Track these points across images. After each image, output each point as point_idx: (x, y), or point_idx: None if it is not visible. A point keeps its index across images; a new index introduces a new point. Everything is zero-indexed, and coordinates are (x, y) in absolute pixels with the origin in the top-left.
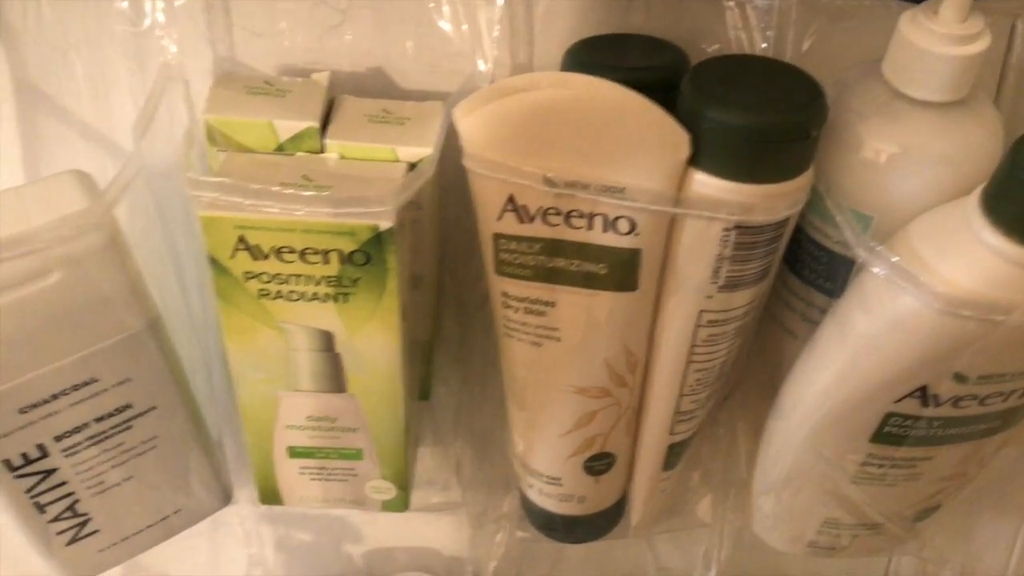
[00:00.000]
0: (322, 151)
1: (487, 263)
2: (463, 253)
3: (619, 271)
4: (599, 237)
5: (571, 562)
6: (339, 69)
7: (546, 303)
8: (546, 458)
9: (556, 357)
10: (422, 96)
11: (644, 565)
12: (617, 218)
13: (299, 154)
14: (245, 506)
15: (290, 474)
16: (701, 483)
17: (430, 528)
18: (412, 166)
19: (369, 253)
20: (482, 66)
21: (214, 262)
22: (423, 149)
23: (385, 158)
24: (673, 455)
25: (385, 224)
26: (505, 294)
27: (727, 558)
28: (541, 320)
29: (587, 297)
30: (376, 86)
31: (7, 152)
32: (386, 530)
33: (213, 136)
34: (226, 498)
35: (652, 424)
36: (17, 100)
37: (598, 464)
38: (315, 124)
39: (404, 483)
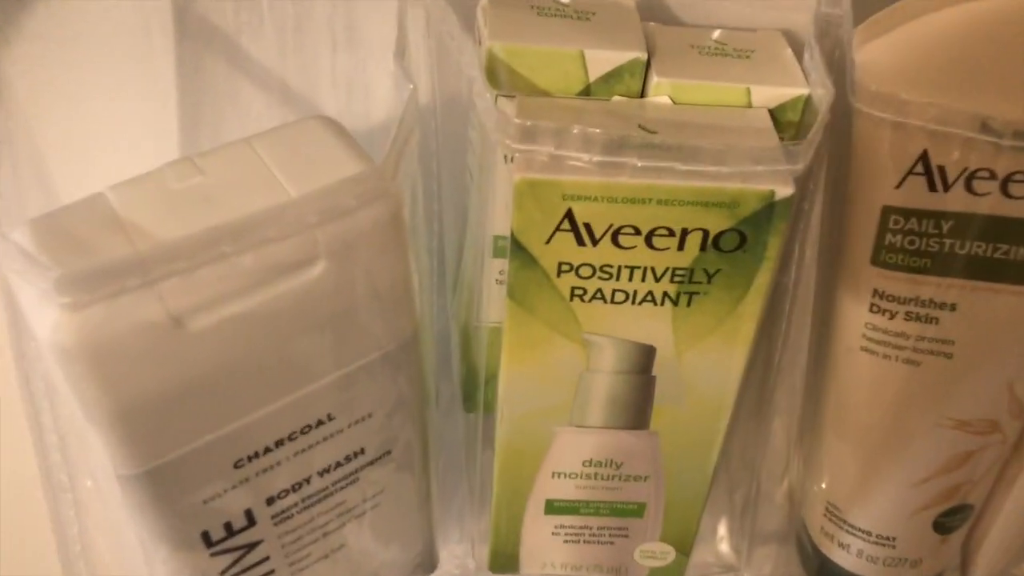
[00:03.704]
0: (643, 94)
1: (850, 250)
2: None
3: None
4: None
5: None
6: None
7: (942, 306)
8: (880, 512)
9: (938, 379)
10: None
11: None
12: None
13: (616, 98)
14: (447, 570)
15: (540, 535)
16: None
17: None
18: (771, 113)
19: (746, 234)
20: None
21: (519, 249)
22: (790, 89)
23: (734, 102)
24: None
25: (783, 190)
26: (878, 293)
27: None
28: (930, 330)
29: (1009, 296)
30: (680, 16)
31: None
32: None
33: (495, 73)
34: (431, 563)
35: None
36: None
37: (951, 520)
38: (643, 55)
39: (688, 546)
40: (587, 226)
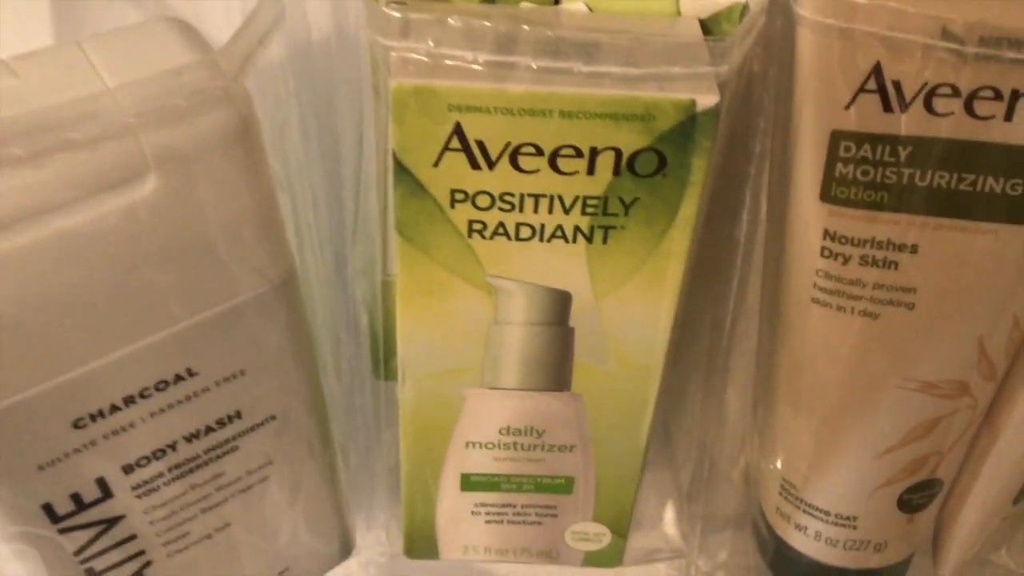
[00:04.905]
0: (557, 1)
1: (797, 185)
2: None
3: None
4: (1022, 133)
5: None
6: None
7: (901, 247)
8: (839, 488)
9: (899, 334)
10: None
11: None
12: None
13: (524, 4)
14: (369, 556)
15: (458, 514)
16: None
17: None
18: (703, 24)
19: (665, 155)
20: None
21: (404, 172)
22: None
23: (661, 10)
24: None
25: (706, 99)
26: (829, 234)
27: None
28: (889, 276)
29: (976, 236)
30: None
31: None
32: None
33: None
34: (346, 549)
35: (1016, 434)
36: None
37: (919, 496)
38: None
39: (624, 527)
40: (480, 144)
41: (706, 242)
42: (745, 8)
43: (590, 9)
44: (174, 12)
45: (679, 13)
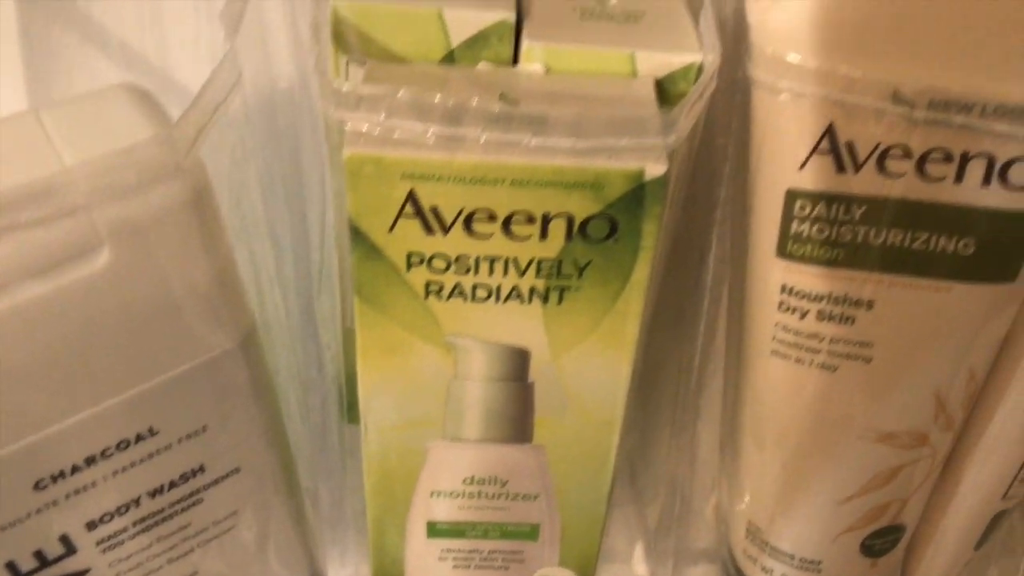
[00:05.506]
0: (515, 61)
1: (756, 241)
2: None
3: (995, 250)
4: (973, 194)
5: None
6: None
7: (858, 303)
8: (805, 533)
9: (858, 387)
10: None
11: None
12: (1012, 162)
13: (481, 65)
14: None
15: (425, 559)
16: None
17: None
18: (660, 84)
19: (616, 220)
20: None
21: (360, 238)
22: (680, 56)
23: (617, 70)
24: (992, 528)
25: (654, 169)
26: (787, 289)
27: None
28: (846, 330)
29: (931, 293)
30: None
31: (5, 74)
32: None
33: (343, 36)
34: None
35: (976, 483)
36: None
37: (881, 542)
38: (510, 16)
39: (590, 570)
40: (434, 210)
41: (673, 284)
42: (701, 67)
43: (547, 70)
44: (147, 64)
45: (636, 73)
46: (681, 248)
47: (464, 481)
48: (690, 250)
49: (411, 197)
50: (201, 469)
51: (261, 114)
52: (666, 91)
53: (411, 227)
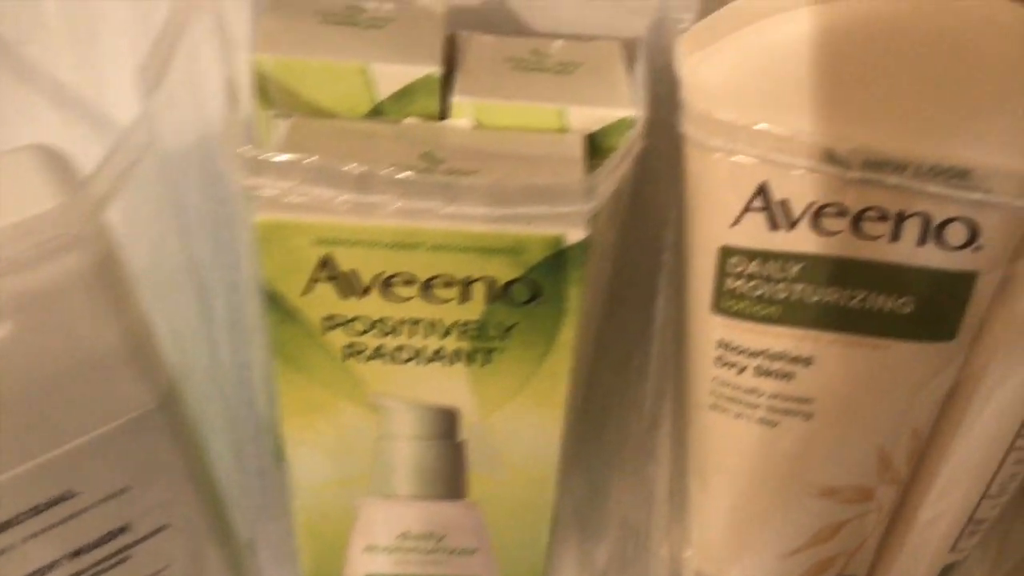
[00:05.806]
0: (444, 116)
1: (693, 296)
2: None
3: (934, 308)
4: (909, 253)
5: None
6: None
7: (797, 360)
8: None
9: (799, 442)
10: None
11: None
12: (948, 222)
13: (408, 120)
14: None
15: None
16: None
17: None
18: (591, 139)
19: (539, 284)
20: None
21: (275, 301)
22: (611, 110)
23: (546, 125)
24: None
25: (574, 235)
26: (724, 344)
27: None
28: (785, 386)
29: (870, 351)
30: (507, 23)
31: None
32: None
33: (267, 90)
34: None
35: (925, 537)
36: None
37: None
38: (436, 70)
39: None
40: (351, 273)
41: (623, 325)
42: (634, 122)
43: (477, 124)
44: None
45: (567, 128)
46: (630, 289)
47: (399, 537)
48: (639, 291)
49: (325, 261)
50: (126, 528)
51: (195, 156)
52: (598, 145)
53: (326, 291)
